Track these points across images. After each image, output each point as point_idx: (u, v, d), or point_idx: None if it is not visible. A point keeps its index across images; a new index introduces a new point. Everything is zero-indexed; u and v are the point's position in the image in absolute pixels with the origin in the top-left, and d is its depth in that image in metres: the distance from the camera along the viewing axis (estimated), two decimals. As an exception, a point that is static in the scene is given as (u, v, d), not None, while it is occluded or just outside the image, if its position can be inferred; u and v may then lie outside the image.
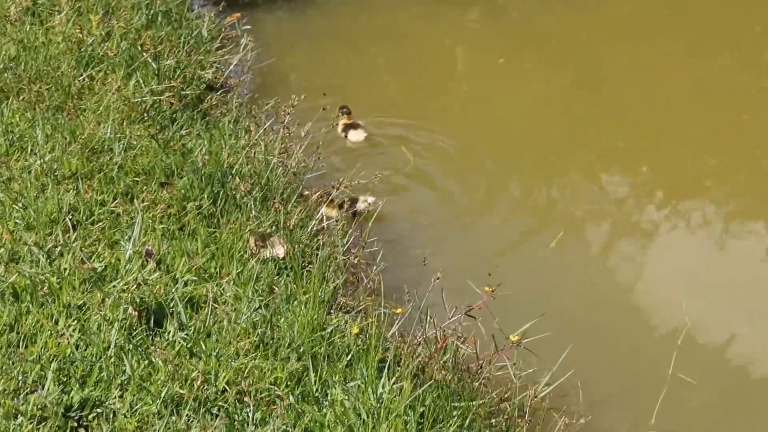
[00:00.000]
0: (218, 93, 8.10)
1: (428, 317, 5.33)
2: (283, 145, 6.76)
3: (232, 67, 8.41)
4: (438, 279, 5.19)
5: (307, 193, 6.68)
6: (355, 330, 5.12)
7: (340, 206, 6.81)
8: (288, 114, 6.61)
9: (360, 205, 7.08)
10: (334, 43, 10.03)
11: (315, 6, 10.82)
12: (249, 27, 9.46)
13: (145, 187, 6.16)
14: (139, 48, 7.61)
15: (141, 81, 7.28)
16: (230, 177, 6.35)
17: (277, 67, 9.08)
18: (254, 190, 6.15)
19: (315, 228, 6.30)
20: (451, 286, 5.66)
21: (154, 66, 7.40)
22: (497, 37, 9.86)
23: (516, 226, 7.13)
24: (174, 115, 7.21)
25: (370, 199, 7.10)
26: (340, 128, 8.64)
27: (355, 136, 8.63)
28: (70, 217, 5.69)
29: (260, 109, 7.53)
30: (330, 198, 6.48)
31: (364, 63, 9.86)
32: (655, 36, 9.77)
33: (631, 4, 10.37)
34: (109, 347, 4.74)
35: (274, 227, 6.06)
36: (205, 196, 6.15)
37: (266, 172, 6.55)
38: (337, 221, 6.20)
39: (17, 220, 5.66)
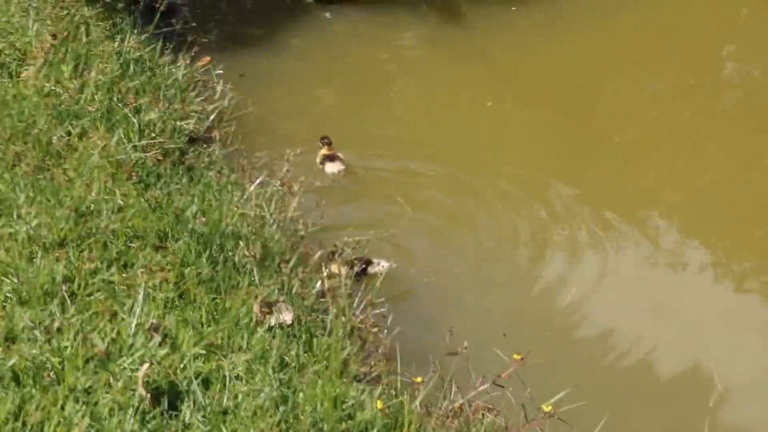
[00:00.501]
0: (201, 145, 7.93)
1: (452, 387, 5.22)
2: (280, 202, 6.61)
3: (212, 116, 8.23)
4: (465, 349, 5.09)
5: (307, 251, 6.54)
6: (380, 405, 4.99)
7: (350, 265, 6.70)
8: (286, 168, 6.49)
9: (374, 269, 6.99)
10: (312, 86, 9.92)
11: (287, 48, 10.74)
12: (222, 71, 9.31)
13: (140, 253, 5.96)
14: (118, 101, 7.43)
15: (123, 137, 7.10)
16: (229, 239, 6.20)
17: (257, 114, 8.94)
18: (255, 253, 6.00)
19: (318, 289, 6.16)
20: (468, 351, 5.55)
21: (135, 121, 7.22)
22: (483, 80, 9.85)
23: (527, 280, 7.06)
24: (158, 172, 7.03)
25: (384, 264, 7.04)
26: (318, 159, 8.72)
27: (332, 167, 8.69)
28: (65, 288, 5.48)
29: (249, 162, 7.38)
30: (337, 254, 6.37)
31: (347, 106, 9.78)
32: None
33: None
34: (123, 436, 4.55)
35: (278, 292, 5.92)
36: (204, 260, 5.98)
37: (265, 231, 6.40)
38: (342, 281, 6.07)
39: (8, 294, 5.44)
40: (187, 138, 7.86)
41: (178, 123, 7.80)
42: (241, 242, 6.24)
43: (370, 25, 10.94)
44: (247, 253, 5.91)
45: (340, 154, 8.75)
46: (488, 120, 9.47)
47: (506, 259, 7.35)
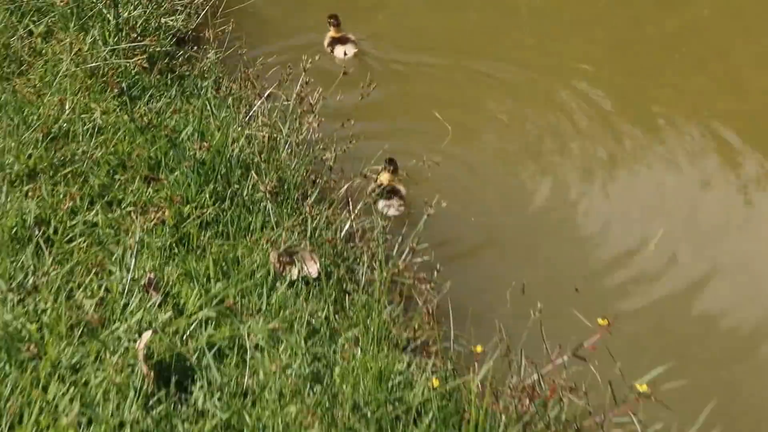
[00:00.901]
0: (191, 47, 7.39)
1: (522, 359, 4.81)
2: (295, 120, 6.10)
3: (203, 10, 7.66)
4: (540, 312, 4.66)
5: (331, 183, 6.07)
6: (436, 383, 4.59)
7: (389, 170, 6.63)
8: (303, 80, 5.96)
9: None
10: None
11: None
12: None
13: (128, 187, 5.49)
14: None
15: (99, 38, 6.54)
16: (235, 168, 5.72)
17: (256, 3, 8.38)
18: (269, 186, 5.53)
19: (348, 231, 5.71)
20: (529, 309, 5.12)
21: (111, 17, 6.66)
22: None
23: (599, 223, 6.62)
24: (144, 82, 6.51)
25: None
26: (326, 42, 8.52)
27: (343, 51, 8.46)
28: (39, 233, 5.01)
29: (252, 68, 6.84)
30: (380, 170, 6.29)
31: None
32: None
33: None
34: (122, 425, 4.14)
35: (298, 235, 5.46)
36: (207, 195, 5.52)
37: (280, 158, 5.92)
38: (377, 219, 5.61)
39: (-34, 240, 4.98)
40: (173, 39, 7.28)
41: (163, 19, 7.21)
42: (250, 172, 5.76)
43: None
44: (261, 188, 5.42)
45: (351, 36, 8.51)
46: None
47: (570, 193, 6.87)
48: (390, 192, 6.92)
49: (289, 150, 6.09)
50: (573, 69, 8.17)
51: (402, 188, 6.91)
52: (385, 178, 6.85)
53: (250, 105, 6.49)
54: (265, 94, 6.43)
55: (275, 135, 6.15)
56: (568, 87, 7.98)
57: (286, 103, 6.46)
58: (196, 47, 7.42)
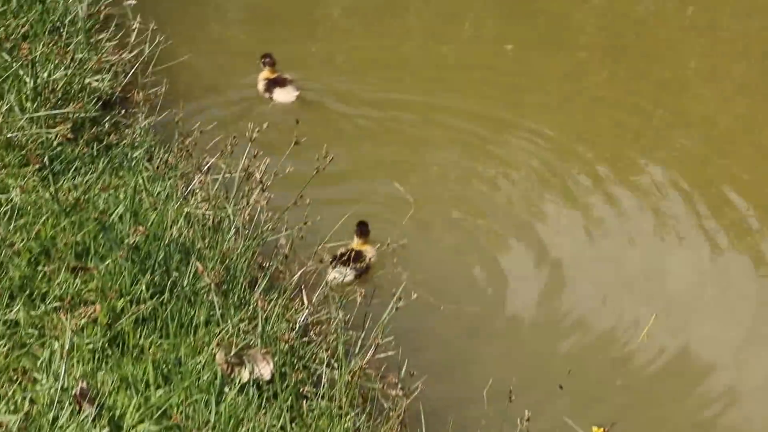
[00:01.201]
0: (118, 110, 7.25)
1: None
2: (241, 196, 5.98)
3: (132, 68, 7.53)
4: (528, 421, 4.57)
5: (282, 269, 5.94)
6: None
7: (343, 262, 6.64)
8: (251, 152, 5.86)
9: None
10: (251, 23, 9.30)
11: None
12: (133, 1, 8.63)
13: (54, 279, 5.31)
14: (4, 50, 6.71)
15: (15, 104, 6.39)
16: (175, 254, 5.57)
17: (191, 60, 8.28)
18: (214, 275, 5.38)
19: (304, 322, 5.57)
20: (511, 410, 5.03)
21: (29, 80, 6.51)
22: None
23: (583, 308, 6.59)
24: (67, 154, 6.35)
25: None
26: (261, 86, 8.53)
27: (284, 95, 8.50)
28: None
29: (189, 135, 6.71)
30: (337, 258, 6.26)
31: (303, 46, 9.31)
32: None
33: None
34: None
35: (248, 331, 5.32)
36: (144, 287, 5.36)
37: (225, 241, 5.78)
38: (335, 312, 5.49)
39: None
40: (98, 102, 7.13)
41: (87, 80, 7.06)
42: (191, 257, 5.60)
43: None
44: (206, 279, 5.27)
45: (289, 77, 8.55)
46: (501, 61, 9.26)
47: (544, 274, 6.83)
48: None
49: (235, 230, 5.93)
50: (549, 137, 8.19)
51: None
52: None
53: (188, 179, 6.32)
54: (206, 167, 6.28)
55: (218, 214, 5.99)
56: (538, 154, 7.99)
57: (228, 175, 6.33)
58: (124, 111, 7.27)
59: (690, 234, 7.26)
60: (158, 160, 6.68)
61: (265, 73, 8.51)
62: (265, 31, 9.53)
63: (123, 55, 7.65)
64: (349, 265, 6.86)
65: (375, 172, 7.79)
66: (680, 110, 8.68)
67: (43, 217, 5.67)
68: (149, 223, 5.75)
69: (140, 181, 6.17)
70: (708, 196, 7.62)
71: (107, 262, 5.45)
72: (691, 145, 8.25)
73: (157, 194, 6.17)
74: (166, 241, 5.61)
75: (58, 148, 6.34)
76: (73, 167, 6.33)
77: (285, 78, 8.53)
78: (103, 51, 7.61)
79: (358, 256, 6.91)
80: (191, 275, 5.55)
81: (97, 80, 7.19)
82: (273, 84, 8.50)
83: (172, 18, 9.15)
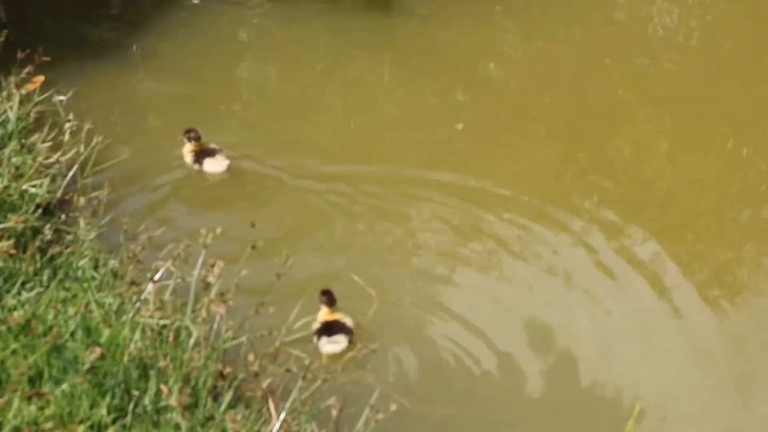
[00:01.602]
0: (59, 217, 7.01)
1: None
2: (202, 308, 5.76)
3: (71, 171, 7.31)
4: None
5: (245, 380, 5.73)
6: None
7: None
8: (212, 265, 5.64)
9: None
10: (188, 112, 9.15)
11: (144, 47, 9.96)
12: (64, 98, 8.42)
13: (7, 409, 5.05)
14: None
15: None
16: (134, 372, 5.35)
17: (131, 158, 8.10)
18: (178, 397, 5.16)
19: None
20: None
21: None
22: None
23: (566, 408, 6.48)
24: (12, 270, 6.10)
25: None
26: (189, 158, 8.42)
27: (214, 165, 8.38)
28: None
29: (135, 241, 6.48)
30: None
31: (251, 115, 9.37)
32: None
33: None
34: None
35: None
36: (105, 410, 5.12)
37: (184, 354, 5.57)
38: None
39: None
40: (37, 209, 6.88)
41: (24, 187, 6.82)
42: (149, 373, 5.38)
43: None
44: (172, 403, 5.04)
45: (216, 146, 8.45)
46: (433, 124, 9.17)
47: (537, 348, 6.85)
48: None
49: (194, 342, 5.71)
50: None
51: (347, 320, 6.88)
52: (322, 314, 6.86)
53: (139, 288, 6.08)
54: (157, 275, 6.05)
55: (175, 323, 5.77)
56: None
57: (180, 281, 6.12)
58: (64, 216, 7.02)
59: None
60: (105, 269, 6.43)
61: (190, 146, 8.42)
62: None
63: (59, 158, 7.35)
64: (338, 333, 6.81)
65: (328, 255, 7.68)
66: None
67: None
68: (102, 339, 5.51)
69: (89, 294, 5.94)
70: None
71: (63, 386, 5.19)
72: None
73: (108, 306, 5.92)
74: (125, 359, 5.36)
75: (2, 266, 6.04)
76: (17, 282, 6.05)
77: (213, 148, 8.43)
78: (38, 154, 7.31)
79: (340, 323, 6.84)
80: (153, 394, 5.32)
81: (34, 186, 6.91)
82: (202, 155, 8.39)
83: (104, 110, 8.93)
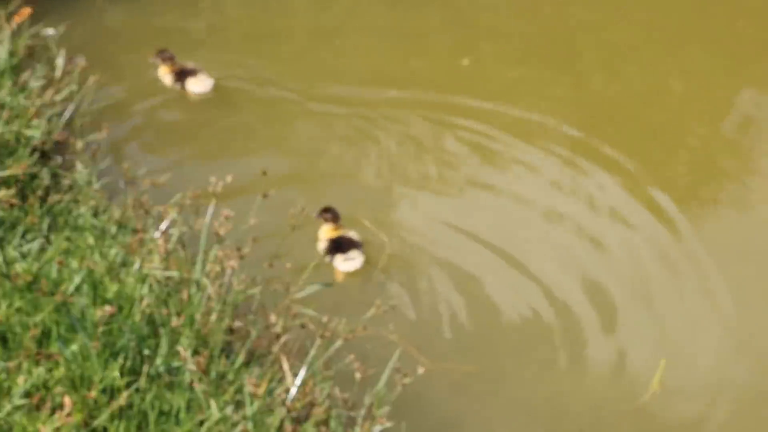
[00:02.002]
0: (56, 162, 6.78)
1: None
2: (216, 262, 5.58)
3: (68, 112, 7.06)
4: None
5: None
6: None
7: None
8: (226, 218, 5.45)
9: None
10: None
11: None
12: (53, 31, 8.15)
13: (16, 371, 4.89)
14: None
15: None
16: (144, 329, 5.19)
17: (127, 99, 7.86)
18: (196, 359, 4.99)
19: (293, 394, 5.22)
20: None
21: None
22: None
23: (587, 362, 6.34)
24: (13, 219, 5.91)
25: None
26: (168, 79, 8.30)
27: (198, 85, 8.26)
28: None
29: (137, 186, 6.30)
30: None
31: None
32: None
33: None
34: None
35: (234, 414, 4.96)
36: (117, 373, 4.96)
37: (196, 308, 5.40)
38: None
39: None
40: (34, 153, 6.66)
41: (23, 131, 6.59)
42: (159, 331, 5.22)
43: None
44: (190, 365, 4.88)
45: (194, 65, 8.32)
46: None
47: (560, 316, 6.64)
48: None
49: (206, 298, 5.53)
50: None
51: (355, 235, 6.91)
52: (325, 231, 6.91)
53: (143, 238, 5.88)
54: (165, 226, 5.85)
55: (184, 278, 5.59)
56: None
57: (186, 230, 5.93)
58: (61, 160, 6.80)
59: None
60: (107, 216, 6.23)
61: (166, 67, 8.29)
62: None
63: (54, 97, 7.10)
64: (352, 249, 6.85)
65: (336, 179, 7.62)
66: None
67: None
68: (109, 294, 5.34)
69: (93, 245, 5.75)
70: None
71: (73, 347, 5.02)
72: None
73: (113, 258, 5.73)
74: (137, 317, 5.19)
75: (3, 215, 5.84)
76: (18, 233, 5.85)
77: (192, 68, 8.29)
78: (31, 94, 7.06)
79: (348, 238, 6.89)
80: (165, 354, 5.16)
81: (32, 130, 6.68)
82: (181, 75, 8.24)
83: (95, 45, 8.65)
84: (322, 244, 6.92)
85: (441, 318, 6.51)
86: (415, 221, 7.30)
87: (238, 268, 5.57)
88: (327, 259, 6.87)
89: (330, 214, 6.94)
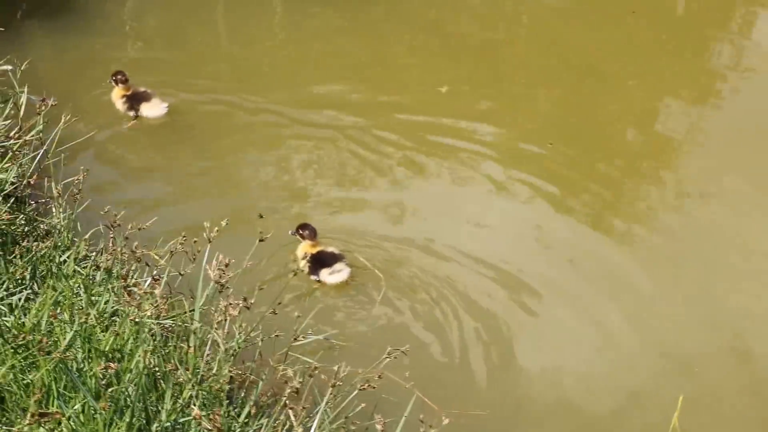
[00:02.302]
0: (27, 207, 6.54)
1: None
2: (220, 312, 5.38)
3: (39, 155, 6.81)
4: None
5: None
6: None
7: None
8: (226, 264, 5.24)
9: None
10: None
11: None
12: (9, 67, 7.90)
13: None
14: None
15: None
16: (146, 382, 4.99)
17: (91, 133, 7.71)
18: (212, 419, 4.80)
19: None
20: None
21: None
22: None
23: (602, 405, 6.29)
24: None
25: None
26: (120, 105, 8.33)
27: (152, 110, 8.30)
28: None
29: (119, 232, 6.07)
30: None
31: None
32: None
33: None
34: None
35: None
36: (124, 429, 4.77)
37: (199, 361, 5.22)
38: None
39: None
40: (11, 199, 6.43)
41: (-4, 175, 6.35)
42: (163, 385, 5.03)
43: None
44: (206, 424, 4.68)
45: (146, 89, 8.35)
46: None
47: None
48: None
49: (210, 349, 5.35)
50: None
51: (334, 249, 6.93)
52: (303, 249, 6.92)
53: (131, 286, 5.67)
54: (163, 276, 5.65)
55: (183, 324, 5.41)
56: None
57: (176, 274, 5.73)
58: (34, 204, 6.56)
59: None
60: (89, 262, 6.01)
61: (120, 91, 8.27)
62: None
63: (22, 137, 6.84)
64: (337, 262, 6.89)
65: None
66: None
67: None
68: (104, 347, 5.13)
69: (81, 293, 5.54)
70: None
71: (74, 405, 4.81)
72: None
73: (103, 308, 5.52)
74: (141, 369, 4.98)
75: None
76: (2, 285, 5.61)
77: (144, 91, 8.30)
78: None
79: (329, 253, 6.92)
80: (171, 409, 4.96)
81: (5, 173, 6.42)
82: (134, 100, 8.24)
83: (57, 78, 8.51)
84: (302, 262, 6.90)
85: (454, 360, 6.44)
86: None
87: (236, 312, 5.39)
88: (312, 276, 6.86)
89: (307, 230, 6.96)
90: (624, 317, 6.76)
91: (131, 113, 8.26)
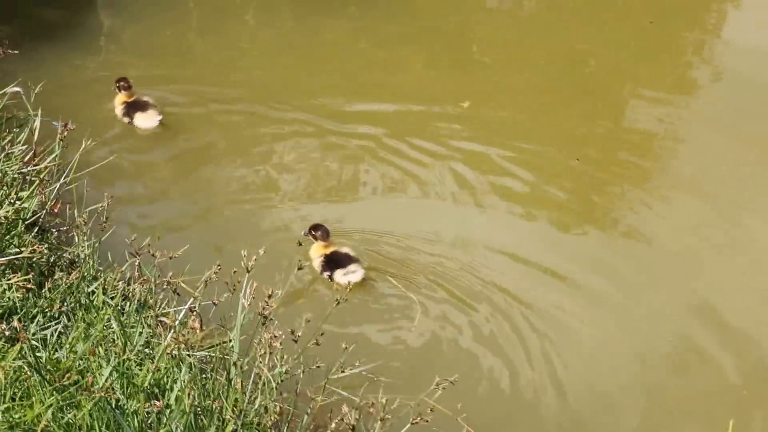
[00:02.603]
0: (51, 235, 6.41)
1: None
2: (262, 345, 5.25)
3: (60, 181, 6.67)
4: None
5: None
6: None
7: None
8: (269, 295, 5.10)
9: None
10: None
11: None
12: (20, 89, 7.76)
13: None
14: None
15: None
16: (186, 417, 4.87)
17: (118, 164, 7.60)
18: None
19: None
20: None
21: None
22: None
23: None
24: (28, 308, 5.54)
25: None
26: (119, 110, 8.40)
27: (145, 120, 8.36)
28: None
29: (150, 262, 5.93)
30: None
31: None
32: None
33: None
34: None
35: None
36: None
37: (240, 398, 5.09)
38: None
39: None
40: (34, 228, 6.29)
41: (18, 203, 6.19)
42: (205, 422, 4.90)
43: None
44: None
45: (148, 99, 8.40)
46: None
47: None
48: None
49: (252, 383, 5.22)
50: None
51: (349, 250, 7.01)
52: (317, 249, 7.02)
53: (160, 314, 5.56)
54: (195, 304, 5.51)
55: (220, 359, 5.27)
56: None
57: (210, 303, 5.60)
58: (56, 232, 6.43)
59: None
60: (116, 293, 5.87)
61: (122, 97, 8.36)
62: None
63: (39, 164, 6.69)
64: (350, 263, 6.96)
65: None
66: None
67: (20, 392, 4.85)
68: (140, 382, 5.00)
69: (114, 327, 5.40)
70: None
71: (121, 448, 4.69)
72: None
73: (137, 337, 5.40)
74: (186, 407, 4.84)
75: (20, 303, 5.46)
76: (34, 319, 5.48)
77: (145, 101, 8.34)
78: (14, 162, 6.66)
79: (343, 253, 7.02)
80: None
81: (26, 202, 6.27)
82: (132, 108, 8.31)
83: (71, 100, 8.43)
84: (316, 262, 7.01)
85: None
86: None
87: (279, 344, 5.26)
88: (325, 275, 6.98)
89: (320, 231, 7.08)
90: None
91: (126, 120, 8.38)
